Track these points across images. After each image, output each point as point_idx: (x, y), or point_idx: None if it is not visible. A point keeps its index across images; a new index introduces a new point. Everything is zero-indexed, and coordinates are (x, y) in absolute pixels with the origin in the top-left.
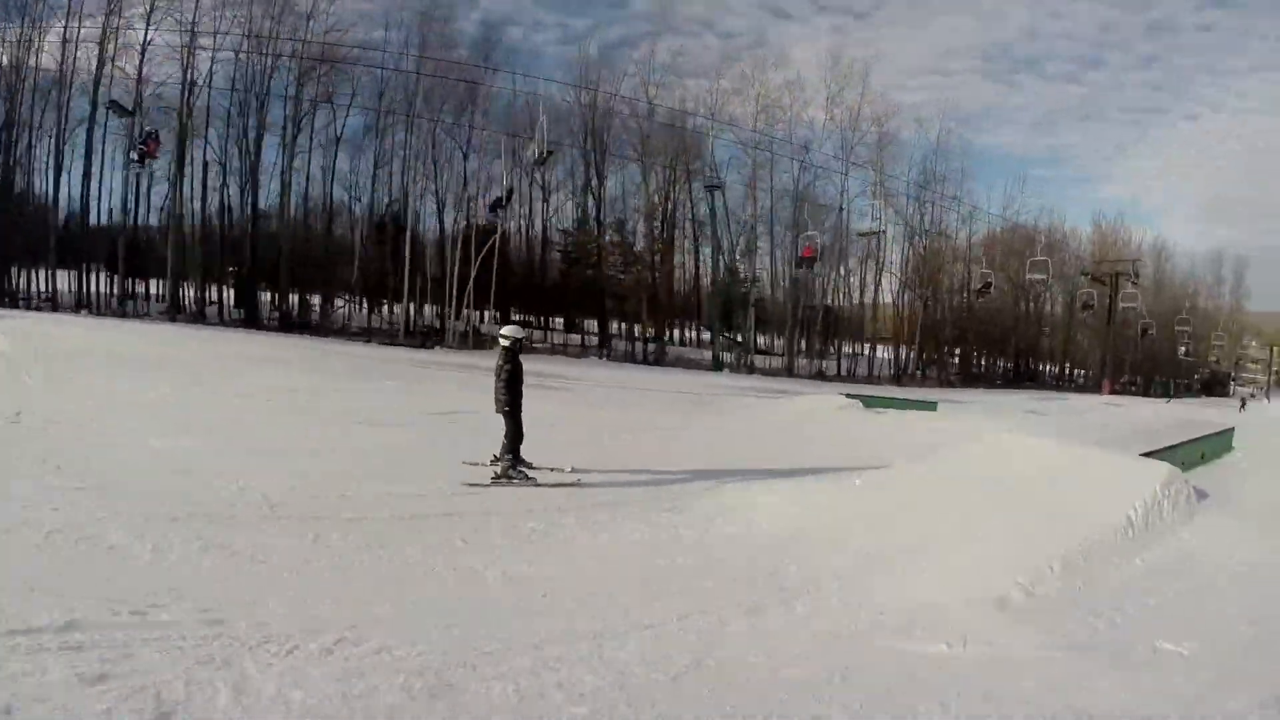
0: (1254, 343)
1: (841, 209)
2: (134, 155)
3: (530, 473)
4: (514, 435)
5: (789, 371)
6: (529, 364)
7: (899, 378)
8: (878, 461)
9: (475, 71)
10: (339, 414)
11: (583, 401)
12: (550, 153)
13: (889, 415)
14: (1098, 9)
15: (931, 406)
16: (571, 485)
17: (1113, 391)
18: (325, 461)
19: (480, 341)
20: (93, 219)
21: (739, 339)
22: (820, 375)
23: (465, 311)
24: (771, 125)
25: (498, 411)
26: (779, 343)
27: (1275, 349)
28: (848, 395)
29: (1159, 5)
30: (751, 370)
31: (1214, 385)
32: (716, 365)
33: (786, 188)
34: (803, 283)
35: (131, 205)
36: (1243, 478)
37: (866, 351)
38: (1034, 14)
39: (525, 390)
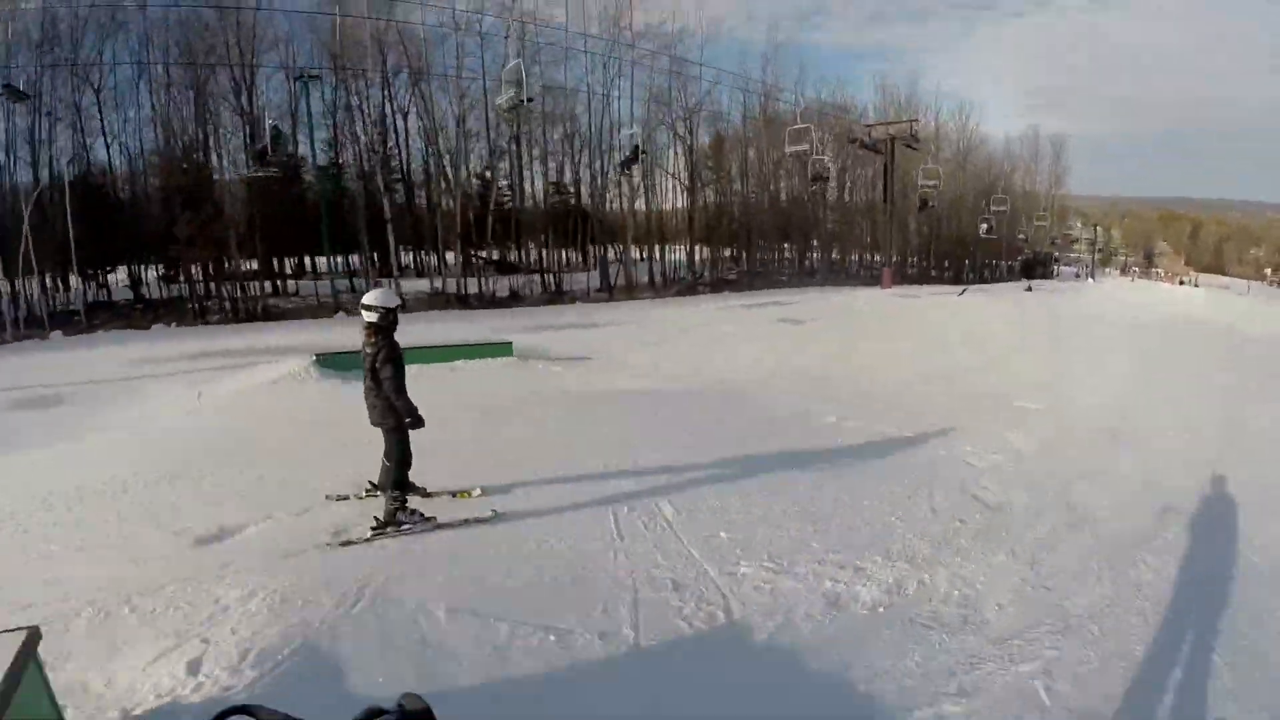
0: (1078, 223)
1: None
2: None
3: (425, 508)
4: (401, 457)
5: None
6: None
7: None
8: None
9: None
10: None
11: None
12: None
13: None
14: None
15: (505, 350)
16: (487, 521)
17: (899, 282)
18: None
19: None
20: None
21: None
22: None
23: None
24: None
25: (375, 424)
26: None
27: (1099, 228)
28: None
29: None
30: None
31: (1035, 267)
32: None
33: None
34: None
35: None
36: None
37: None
38: None
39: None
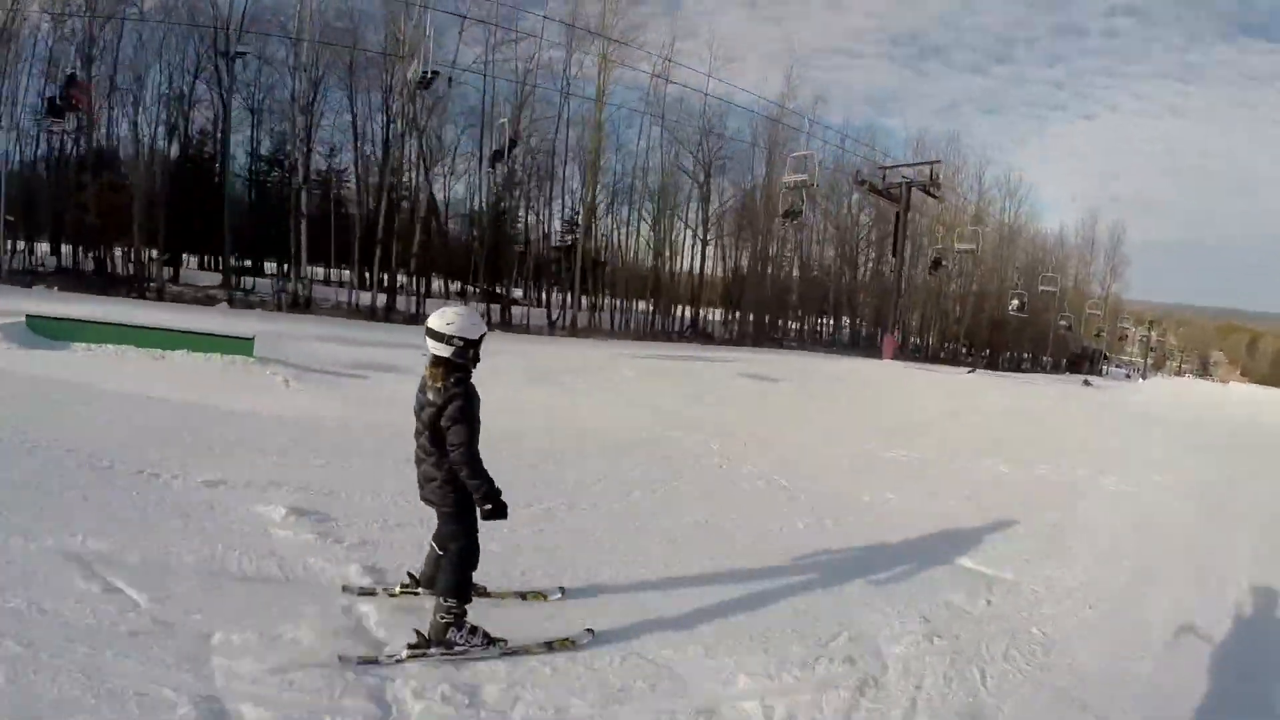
0: (1131, 322)
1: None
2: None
3: (489, 627)
4: (465, 553)
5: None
6: None
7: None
8: None
9: None
10: None
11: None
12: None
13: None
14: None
15: (242, 348)
16: (580, 648)
17: (899, 356)
18: None
19: None
20: None
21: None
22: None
23: None
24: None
25: (428, 501)
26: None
27: (1153, 331)
28: None
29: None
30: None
31: (1083, 362)
32: None
33: None
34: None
35: None
36: None
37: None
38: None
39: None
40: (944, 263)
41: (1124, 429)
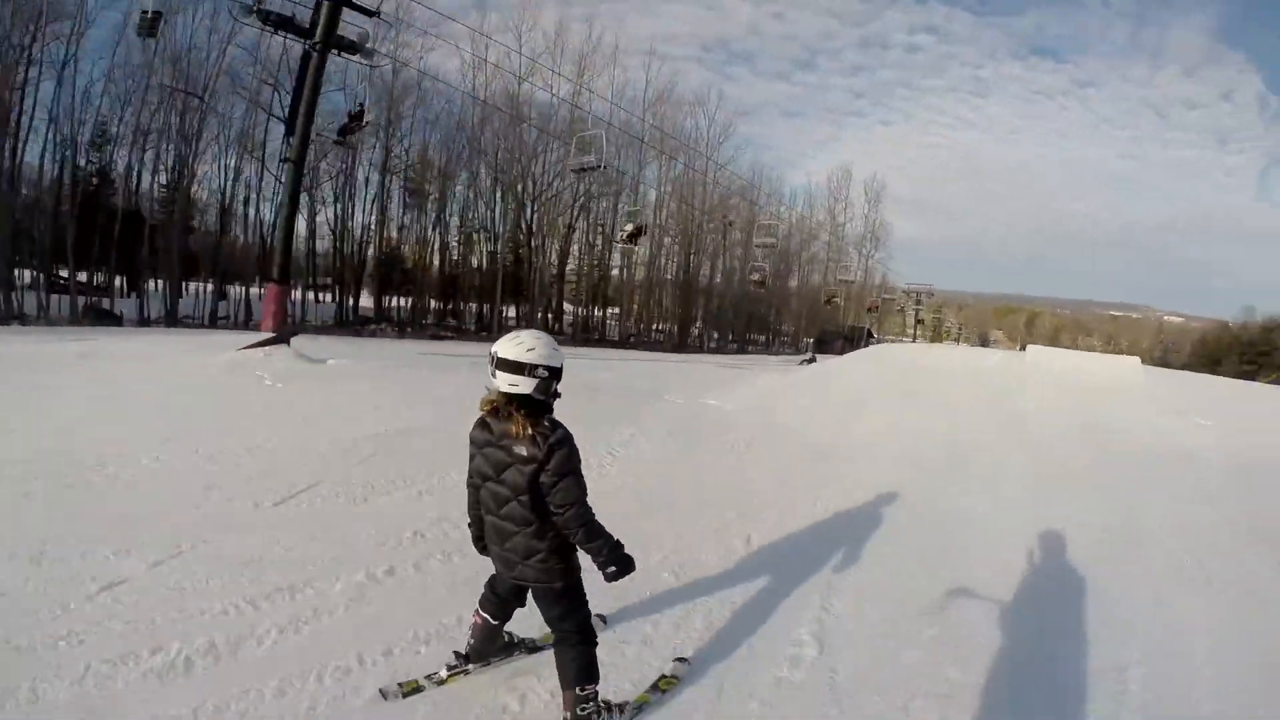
0: (908, 301)
1: None
2: None
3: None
4: (587, 628)
5: None
6: None
7: None
8: None
9: None
10: None
11: None
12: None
13: None
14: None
15: None
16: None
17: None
18: None
19: None
20: None
21: None
22: None
23: None
24: None
25: (519, 579)
26: None
27: (921, 303)
28: None
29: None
30: None
31: (837, 340)
32: None
33: None
34: None
35: None
36: None
37: None
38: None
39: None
40: (643, 232)
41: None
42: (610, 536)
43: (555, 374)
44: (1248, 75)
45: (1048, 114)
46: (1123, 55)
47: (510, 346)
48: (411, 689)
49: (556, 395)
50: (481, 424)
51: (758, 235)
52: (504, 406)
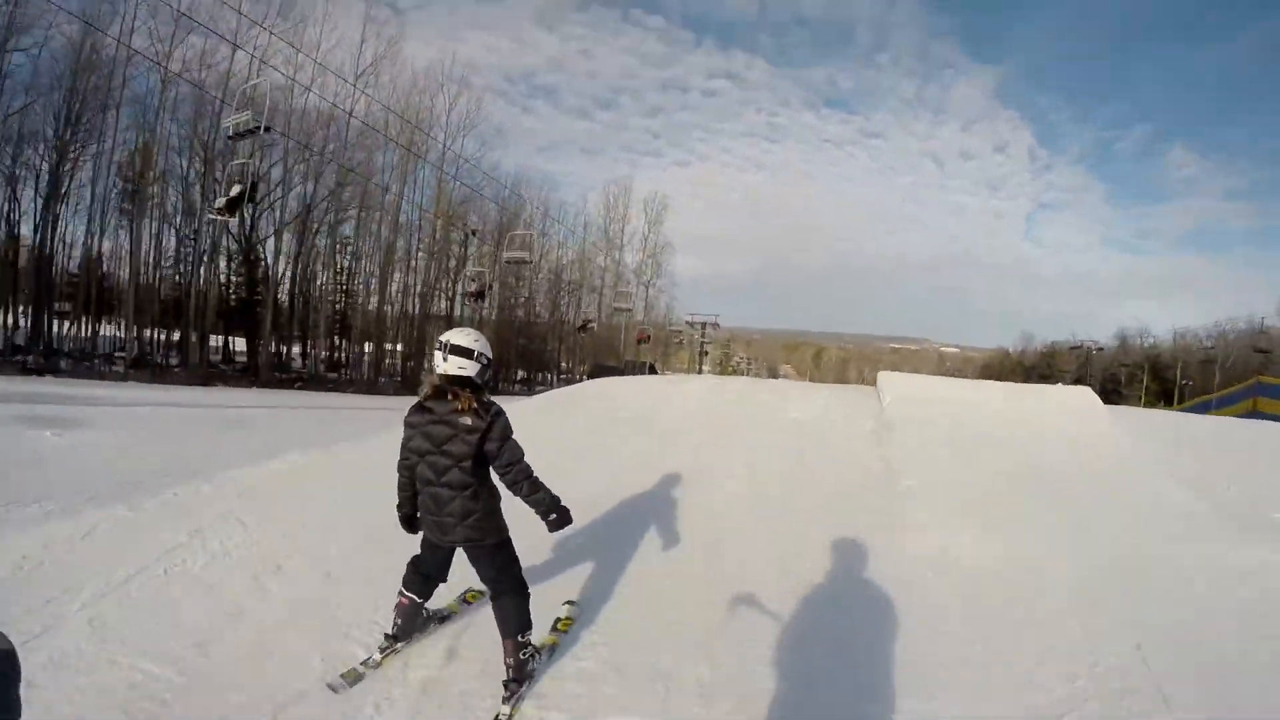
0: (690, 332)
1: None
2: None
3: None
4: (522, 581)
5: None
6: None
7: None
8: None
9: None
10: None
11: None
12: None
13: None
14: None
15: None
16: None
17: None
18: None
19: None
20: None
21: None
22: None
23: None
24: None
25: (459, 541)
26: None
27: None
28: None
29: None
30: None
31: (635, 374)
32: None
33: None
34: None
35: None
36: None
37: None
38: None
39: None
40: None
41: None
42: (550, 490)
43: (491, 363)
44: (1019, 131)
45: (836, 160)
46: (909, 109)
47: (461, 336)
48: (354, 677)
49: (490, 382)
50: (419, 408)
51: (509, 248)
52: (449, 388)
